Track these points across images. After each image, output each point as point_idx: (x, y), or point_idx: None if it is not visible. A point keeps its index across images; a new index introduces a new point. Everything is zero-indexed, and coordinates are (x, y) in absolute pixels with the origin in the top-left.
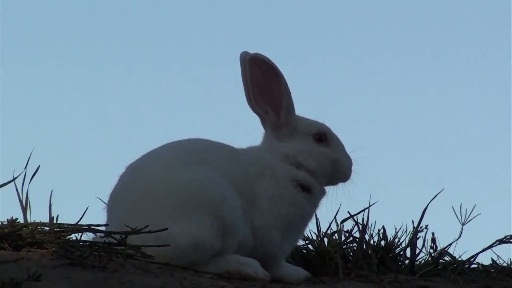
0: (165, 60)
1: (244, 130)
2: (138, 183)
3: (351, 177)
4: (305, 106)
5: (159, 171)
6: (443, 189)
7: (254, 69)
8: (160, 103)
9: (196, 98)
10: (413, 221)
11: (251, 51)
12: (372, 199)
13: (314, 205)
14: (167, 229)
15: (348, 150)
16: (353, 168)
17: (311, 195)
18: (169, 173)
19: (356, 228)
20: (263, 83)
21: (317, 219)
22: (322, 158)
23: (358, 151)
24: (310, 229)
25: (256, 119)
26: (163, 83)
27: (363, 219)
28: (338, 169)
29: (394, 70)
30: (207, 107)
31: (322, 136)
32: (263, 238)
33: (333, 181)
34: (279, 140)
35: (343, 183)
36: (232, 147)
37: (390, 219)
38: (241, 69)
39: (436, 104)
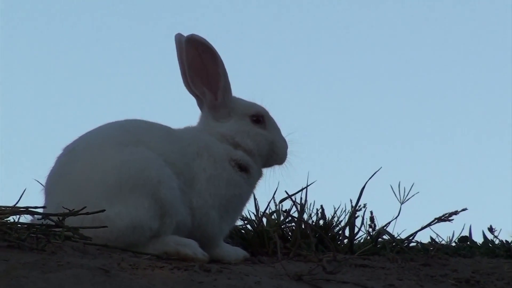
0: (105, 36)
1: (180, 111)
2: (75, 164)
3: (286, 160)
4: (241, 88)
5: (96, 152)
6: (381, 167)
7: (191, 50)
8: (96, 84)
9: (132, 80)
10: (351, 200)
11: (185, 33)
12: (310, 179)
13: (251, 185)
14: (104, 210)
15: (284, 133)
16: (288, 151)
17: (248, 175)
18: (105, 154)
19: (294, 208)
20: (200, 64)
21: (255, 199)
22: (259, 139)
23: (294, 134)
24: (249, 209)
25: (192, 100)
26: (99, 63)
27: (301, 198)
28: (275, 151)
29: (321, 46)
30: (143, 88)
31: (260, 118)
32: (201, 218)
33: (269, 163)
34: (216, 120)
35: (279, 166)
36: (169, 128)
37: (329, 199)
38: (177, 51)
39: (372, 81)
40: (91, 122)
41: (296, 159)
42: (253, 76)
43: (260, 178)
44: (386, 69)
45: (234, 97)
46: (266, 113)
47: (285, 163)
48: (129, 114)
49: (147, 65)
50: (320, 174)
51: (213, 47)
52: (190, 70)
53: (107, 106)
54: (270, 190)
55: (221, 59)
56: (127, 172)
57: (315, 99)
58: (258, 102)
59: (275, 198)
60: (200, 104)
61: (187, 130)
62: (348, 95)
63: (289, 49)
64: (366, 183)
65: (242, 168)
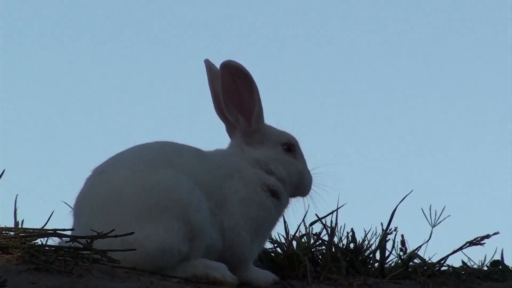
0: (131, 61)
1: (209, 135)
2: (104, 186)
3: (309, 193)
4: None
5: (125, 174)
6: (412, 190)
7: (226, 76)
8: (127, 107)
9: (163, 103)
10: (382, 224)
11: (211, 58)
12: (340, 202)
13: (280, 212)
14: (133, 233)
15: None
16: (312, 185)
17: (279, 201)
18: (135, 176)
19: (324, 231)
20: (234, 90)
21: (285, 221)
22: (291, 168)
23: (319, 168)
24: (279, 232)
25: (219, 125)
26: (129, 86)
27: (331, 221)
28: (302, 182)
29: (348, 74)
30: (173, 112)
31: (291, 147)
32: (232, 239)
33: (294, 193)
34: (250, 146)
35: (302, 197)
36: (199, 150)
37: (359, 222)
38: (208, 76)
39: (404, 104)
40: (120, 144)
41: (321, 191)
42: (273, 101)
43: (287, 207)
44: (417, 94)
45: (266, 124)
46: (296, 142)
47: (308, 195)
48: (158, 136)
49: (178, 87)
50: (350, 196)
51: (249, 73)
52: (224, 96)
53: (136, 128)
54: (300, 212)
55: (256, 86)
56: (157, 194)
57: (343, 122)
58: (288, 131)
59: (305, 221)
60: (230, 129)
61: (218, 152)
62: (379, 118)
63: (312, 71)
64: (397, 206)
65: (274, 193)
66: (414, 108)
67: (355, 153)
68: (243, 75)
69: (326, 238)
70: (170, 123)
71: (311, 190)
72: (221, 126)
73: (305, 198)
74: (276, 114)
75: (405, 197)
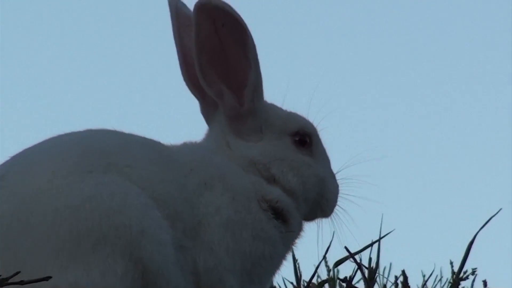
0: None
1: (177, 119)
2: (6, 203)
3: (334, 212)
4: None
5: (39, 183)
6: (501, 209)
7: (204, 22)
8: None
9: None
10: (451, 263)
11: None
12: (385, 227)
13: (287, 243)
14: (50, 277)
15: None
16: (339, 197)
17: (287, 226)
18: (54, 187)
19: (359, 275)
20: (217, 46)
21: (295, 260)
22: (306, 173)
23: (350, 167)
24: (284, 277)
25: (194, 104)
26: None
27: (370, 259)
28: (324, 195)
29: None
30: (119, 83)
31: (306, 139)
32: (212, 286)
33: (311, 213)
34: (240, 137)
35: (322, 219)
36: (159, 144)
37: (414, 259)
38: (174, 24)
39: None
40: (35, 131)
41: (353, 209)
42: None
43: (301, 233)
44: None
45: (266, 103)
46: (315, 131)
47: (333, 215)
48: (96, 122)
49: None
50: (401, 218)
51: (241, 18)
52: (200, 55)
53: (61, 106)
54: (320, 244)
55: (252, 39)
56: (90, 217)
57: (383, 98)
58: (305, 115)
59: (328, 259)
60: (208, 110)
61: (189, 148)
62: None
63: (339, 23)
64: (476, 234)
65: (278, 214)
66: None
67: (406, 144)
68: (231, 22)
69: (362, 285)
70: (118, 100)
71: (338, 208)
72: (195, 105)
73: (328, 220)
74: (282, 89)
75: (489, 219)
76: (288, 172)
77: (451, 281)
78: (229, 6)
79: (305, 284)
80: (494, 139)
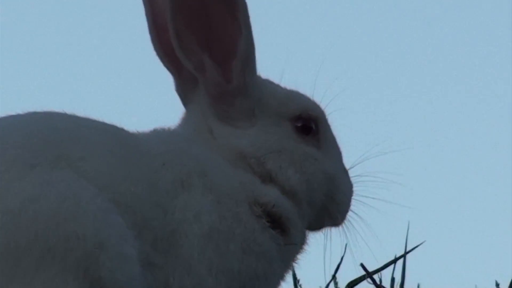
0: None
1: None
2: None
3: (346, 218)
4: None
5: None
6: None
7: None
8: None
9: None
10: (498, 285)
11: None
12: (412, 239)
13: (288, 258)
14: None
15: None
16: (352, 200)
17: (286, 236)
18: None
19: None
20: (197, 4)
21: (296, 281)
22: (310, 169)
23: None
24: None
25: (167, 80)
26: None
27: (392, 280)
28: (333, 197)
29: None
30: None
31: (310, 124)
32: None
33: (317, 220)
34: (227, 122)
35: (331, 228)
36: (123, 131)
37: (448, 280)
38: None
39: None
40: None
41: (371, 214)
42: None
43: (304, 247)
44: None
45: (260, 78)
46: (322, 114)
47: (345, 223)
48: (44, 103)
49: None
50: (429, 230)
51: None
52: (176, 16)
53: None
54: (329, 261)
55: (244, 1)
56: (32, 225)
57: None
58: (309, 94)
59: (338, 280)
60: (185, 86)
61: (160, 137)
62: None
63: None
64: None
65: (276, 222)
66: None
67: (441, 131)
68: None
69: None
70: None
71: (351, 214)
72: (168, 81)
73: (339, 230)
74: (280, 61)
75: None
76: (287, 168)
77: None
78: None
79: None
80: None
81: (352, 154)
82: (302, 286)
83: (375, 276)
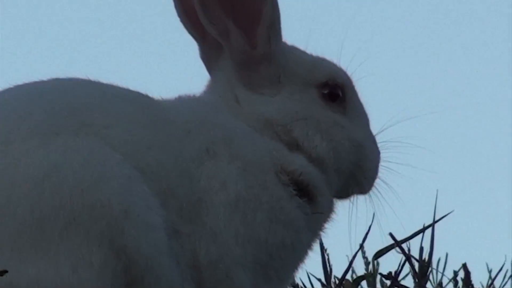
0: None
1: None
2: None
3: (374, 186)
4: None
5: None
6: None
7: None
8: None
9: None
10: None
11: None
12: (439, 209)
13: (315, 227)
14: (5, 271)
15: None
16: (380, 168)
17: (313, 205)
18: (9, 155)
19: (407, 267)
20: None
21: (324, 250)
22: (338, 136)
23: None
24: (310, 272)
25: (192, 46)
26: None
27: (421, 248)
28: (361, 164)
29: None
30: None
31: (337, 91)
32: (216, 283)
33: (345, 188)
34: (253, 89)
35: (359, 196)
36: (148, 98)
37: (477, 251)
38: None
39: None
40: None
41: (399, 182)
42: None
43: (331, 215)
44: None
45: (285, 45)
46: (349, 81)
47: (373, 191)
48: (74, 70)
49: None
50: (459, 198)
51: None
52: None
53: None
54: (356, 229)
55: None
56: (56, 193)
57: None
58: (336, 61)
59: (366, 249)
60: (210, 54)
61: (186, 104)
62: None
63: None
64: None
65: (303, 190)
66: None
67: (471, 95)
68: None
69: (411, 283)
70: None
71: (379, 182)
72: (193, 48)
73: (367, 198)
74: (306, 28)
75: None
76: (314, 135)
77: None
78: None
79: (337, 281)
80: None
81: (379, 121)
82: (330, 256)
83: (404, 246)
